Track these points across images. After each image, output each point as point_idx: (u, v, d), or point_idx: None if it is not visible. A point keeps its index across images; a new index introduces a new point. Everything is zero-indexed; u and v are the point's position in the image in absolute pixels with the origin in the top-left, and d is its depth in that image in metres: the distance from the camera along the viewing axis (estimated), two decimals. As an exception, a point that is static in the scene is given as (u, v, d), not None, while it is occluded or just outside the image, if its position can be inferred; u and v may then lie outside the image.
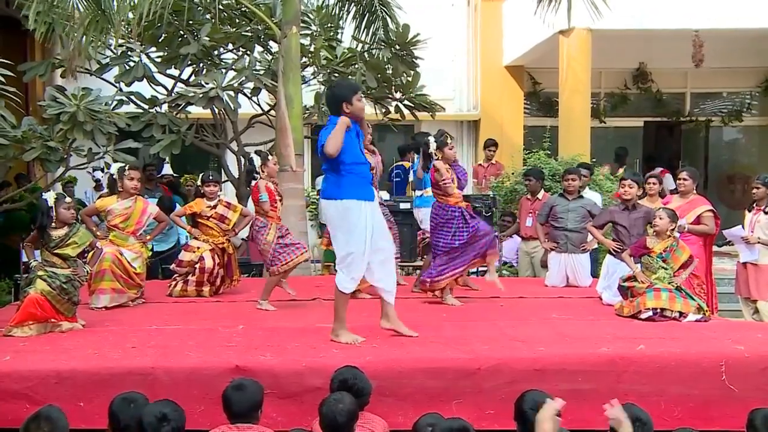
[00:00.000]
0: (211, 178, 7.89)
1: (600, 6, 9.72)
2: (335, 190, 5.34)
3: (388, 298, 5.57)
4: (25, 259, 6.51)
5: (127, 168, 7.31)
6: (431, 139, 7.16)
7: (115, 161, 8.52)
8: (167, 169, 12.13)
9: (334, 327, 5.45)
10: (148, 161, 11.65)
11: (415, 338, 5.47)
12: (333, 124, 5.25)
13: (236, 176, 11.02)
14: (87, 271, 6.32)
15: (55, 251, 5.98)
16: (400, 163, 10.74)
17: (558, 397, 3.70)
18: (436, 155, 7.09)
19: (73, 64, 8.63)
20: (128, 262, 7.11)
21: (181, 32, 10.05)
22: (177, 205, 10.03)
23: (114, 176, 7.42)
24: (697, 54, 11.60)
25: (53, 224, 6.00)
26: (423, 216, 7.79)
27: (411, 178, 9.05)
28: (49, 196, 6.07)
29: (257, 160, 7.20)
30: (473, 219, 7.14)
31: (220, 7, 10.14)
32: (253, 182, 7.29)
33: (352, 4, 10.72)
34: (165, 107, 9.94)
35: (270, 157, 7.29)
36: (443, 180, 6.97)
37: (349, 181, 5.31)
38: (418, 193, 8.28)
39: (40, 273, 5.89)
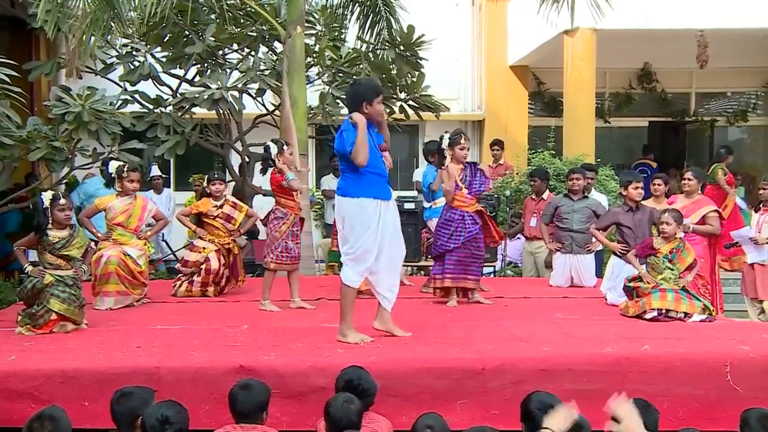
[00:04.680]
0: (216, 176, 7.89)
1: (604, 6, 9.70)
2: (353, 188, 5.35)
3: (386, 305, 5.56)
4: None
5: (126, 170, 7.28)
6: (446, 135, 7.20)
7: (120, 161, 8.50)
8: (155, 171, 12.01)
9: (341, 327, 5.44)
10: (151, 162, 11.64)
11: (420, 338, 5.46)
12: (350, 127, 5.26)
13: (240, 176, 11.02)
14: (84, 270, 6.24)
15: (62, 252, 5.92)
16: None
17: (563, 398, 3.69)
18: (448, 154, 7.13)
19: (74, 64, 8.63)
20: (133, 261, 7.09)
21: (186, 32, 10.05)
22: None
23: (112, 174, 7.36)
24: (702, 55, 11.58)
25: (50, 225, 5.89)
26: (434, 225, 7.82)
27: (421, 184, 9.09)
28: (45, 197, 5.94)
29: (273, 149, 7.03)
30: (475, 225, 7.11)
31: (225, 7, 10.15)
32: (270, 170, 7.13)
33: (356, 4, 10.71)
34: (170, 108, 9.94)
35: (286, 147, 7.15)
36: (446, 186, 7.08)
37: (367, 181, 5.33)
38: (427, 204, 8.48)
39: (49, 289, 5.78)
